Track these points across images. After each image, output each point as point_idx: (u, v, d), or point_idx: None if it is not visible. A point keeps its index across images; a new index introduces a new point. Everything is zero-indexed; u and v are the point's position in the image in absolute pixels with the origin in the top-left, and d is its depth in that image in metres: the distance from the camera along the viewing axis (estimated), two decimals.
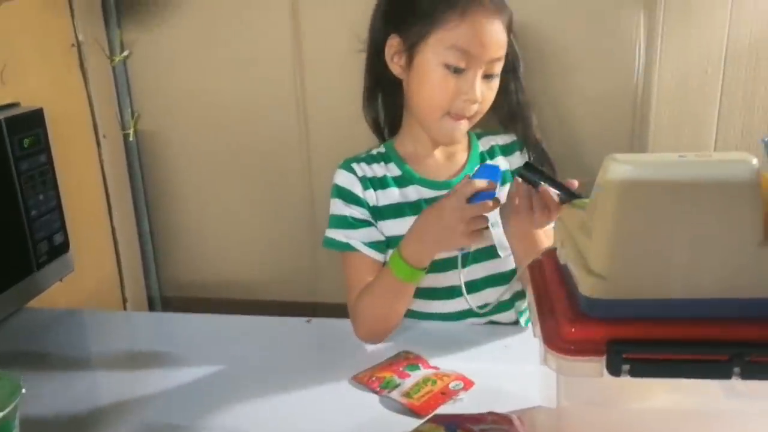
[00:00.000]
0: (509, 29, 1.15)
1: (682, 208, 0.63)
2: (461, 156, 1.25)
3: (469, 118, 1.16)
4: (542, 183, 1.00)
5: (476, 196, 1.02)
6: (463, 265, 1.12)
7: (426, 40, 1.12)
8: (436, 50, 1.12)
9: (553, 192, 0.99)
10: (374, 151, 1.26)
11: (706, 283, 0.64)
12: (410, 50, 1.15)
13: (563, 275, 0.75)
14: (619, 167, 0.63)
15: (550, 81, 1.34)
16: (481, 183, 1.02)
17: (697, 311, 0.64)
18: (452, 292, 1.19)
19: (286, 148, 1.53)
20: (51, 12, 1.34)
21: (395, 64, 1.18)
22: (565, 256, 0.73)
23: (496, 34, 1.11)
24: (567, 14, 1.33)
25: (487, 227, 1.04)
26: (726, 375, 0.63)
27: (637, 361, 0.64)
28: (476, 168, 1.13)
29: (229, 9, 1.46)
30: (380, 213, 1.20)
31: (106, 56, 1.49)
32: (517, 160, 1.26)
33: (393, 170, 1.22)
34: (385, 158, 1.24)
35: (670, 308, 0.65)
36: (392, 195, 1.20)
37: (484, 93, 1.14)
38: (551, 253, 0.81)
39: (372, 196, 1.20)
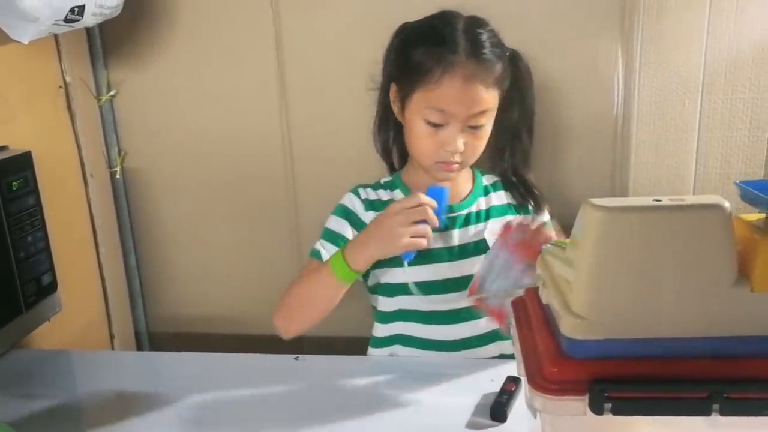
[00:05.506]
0: (499, 81, 1.18)
1: (658, 251, 0.64)
2: (465, 186, 1.30)
3: (460, 164, 1.20)
4: None
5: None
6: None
7: (411, 95, 1.18)
8: (418, 107, 1.17)
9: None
10: (382, 181, 1.32)
11: (683, 322, 0.65)
12: (402, 101, 1.21)
13: (546, 314, 0.77)
14: (596, 213, 0.65)
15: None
16: (424, 198, 1.11)
17: (675, 350, 0.66)
18: (455, 316, 1.22)
19: (272, 185, 1.55)
20: (38, 55, 1.36)
21: (396, 108, 1.24)
22: (547, 297, 0.75)
23: (474, 94, 1.14)
24: (545, 48, 1.36)
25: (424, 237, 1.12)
26: (705, 412, 0.65)
27: (619, 399, 0.65)
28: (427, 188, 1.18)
29: (214, 48, 1.48)
30: None
31: (93, 96, 1.51)
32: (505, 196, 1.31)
33: (398, 196, 1.28)
34: (391, 186, 1.30)
35: (650, 347, 0.66)
36: None
37: (470, 143, 1.18)
38: (534, 292, 0.82)
39: (372, 217, 1.24)
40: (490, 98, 1.17)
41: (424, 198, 1.11)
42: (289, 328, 1.22)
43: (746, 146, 1.36)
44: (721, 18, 1.30)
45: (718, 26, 1.31)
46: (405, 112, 1.21)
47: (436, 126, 1.16)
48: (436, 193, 1.14)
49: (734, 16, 1.30)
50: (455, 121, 1.15)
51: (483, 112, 1.16)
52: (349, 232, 1.24)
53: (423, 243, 1.10)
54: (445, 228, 1.22)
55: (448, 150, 1.17)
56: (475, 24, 1.18)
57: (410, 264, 1.15)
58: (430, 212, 1.10)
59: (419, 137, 1.19)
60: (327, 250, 1.23)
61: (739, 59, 1.31)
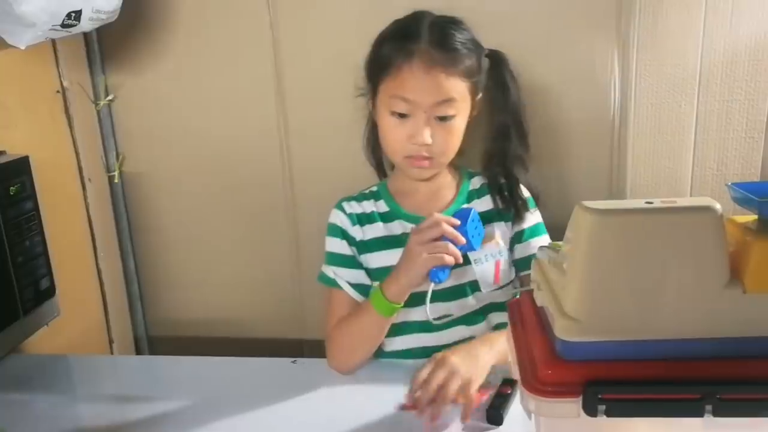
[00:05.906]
0: (467, 73, 1.17)
1: (650, 253, 0.64)
2: (448, 192, 1.28)
3: (429, 159, 1.19)
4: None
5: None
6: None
7: (378, 88, 1.19)
8: (384, 99, 1.17)
9: None
10: (367, 190, 1.31)
11: (675, 324, 0.65)
12: (373, 97, 1.22)
13: (540, 317, 0.77)
14: (588, 215, 0.65)
15: (528, 118, 1.36)
16: (439, 216, 1.10)
17: (668, 351, 0.66)
18: (405, 329, 1.23)
19: (270, 188, 1.55)
20: (36, 60, 1.36)
21: (370, 106, 1.25)
22: (541, 299, 0.75)
23: (435, 81, 1.13)
24: (541, 51, 1.37)
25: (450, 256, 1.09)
26: (698, 413, 0.64)
27: (612, 401, 0.65)
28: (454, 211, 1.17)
29: (211, 52, 1.49)
30: (366, 246, 1.24)
31: (90, 101, 1.51)
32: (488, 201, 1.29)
33: (381, 207, 1.27)
34: (375, 196, 1.29)
35: (643, 349, 0.66)
36: (378, 229, 1.25)
37: (439, 136, 1.16)
38: (529, 294, 0.82)
39: (358, 232, 1.25)
40: (453, 87, 1.15)
41: (440, 216, 1.10)
42: (350, 367, 1.20)
43: (743, 148, 1.36)
44: (717, 19, 1.30)
45: (713, 28, 1.31)
46: (375, 108, 1.22)
47: (402, 116, 1.16)
48: (462, 213, 1.13)
49: (729, 17, 1.30)
50: (419, 110, 1.14)
51: (448, 102, 1.15)
52: (348, 249, 1.25)
53: (445, 259, 1.08)
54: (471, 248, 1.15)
55: (415, 142, 1.16)
56: (446, 20, 1.18)
57: (439, 283, 1.11)
58: (446, 227, 1.08)
59: (386, 130, 1.19)
60: (339, 274, 1.23)
61: (734, 61, 1.32)
